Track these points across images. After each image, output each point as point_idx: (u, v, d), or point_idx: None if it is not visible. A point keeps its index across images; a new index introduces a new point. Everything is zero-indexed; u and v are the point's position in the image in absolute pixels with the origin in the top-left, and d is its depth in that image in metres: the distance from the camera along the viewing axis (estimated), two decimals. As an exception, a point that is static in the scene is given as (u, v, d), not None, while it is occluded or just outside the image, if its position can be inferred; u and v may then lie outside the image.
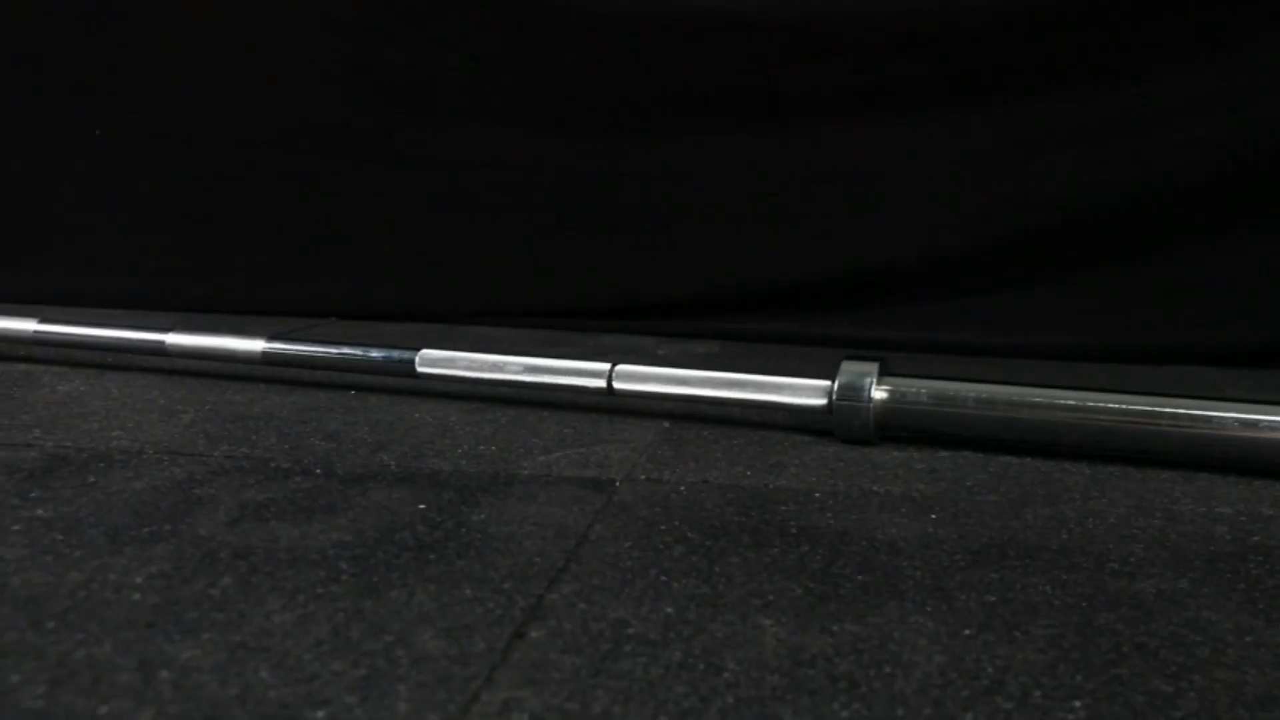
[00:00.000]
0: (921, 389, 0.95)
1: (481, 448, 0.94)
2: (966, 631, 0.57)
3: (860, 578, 0.65)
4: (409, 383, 1.15)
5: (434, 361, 1.10)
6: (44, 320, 1.25)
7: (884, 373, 0.97)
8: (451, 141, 1.78)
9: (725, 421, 1.05)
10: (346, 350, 1.15)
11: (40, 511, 0.73)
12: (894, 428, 0.97)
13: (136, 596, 0.60)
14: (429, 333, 1.64)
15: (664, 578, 0.64)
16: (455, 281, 1.77)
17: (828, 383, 0.98)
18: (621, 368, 1.04)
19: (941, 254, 1.66)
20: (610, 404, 1.10)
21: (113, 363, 1.26)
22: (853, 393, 0.96)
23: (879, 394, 0.96)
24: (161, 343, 1.19)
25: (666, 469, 0.88)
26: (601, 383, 1.04)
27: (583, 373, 1.05)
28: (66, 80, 1.88)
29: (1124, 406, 0.91)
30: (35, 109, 1.91)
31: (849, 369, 0.97)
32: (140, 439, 0.93)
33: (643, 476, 0.86)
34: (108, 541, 0.68)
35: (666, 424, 1.04)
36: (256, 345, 1.16)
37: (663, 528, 0.73)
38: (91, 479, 0.81)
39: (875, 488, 0.84)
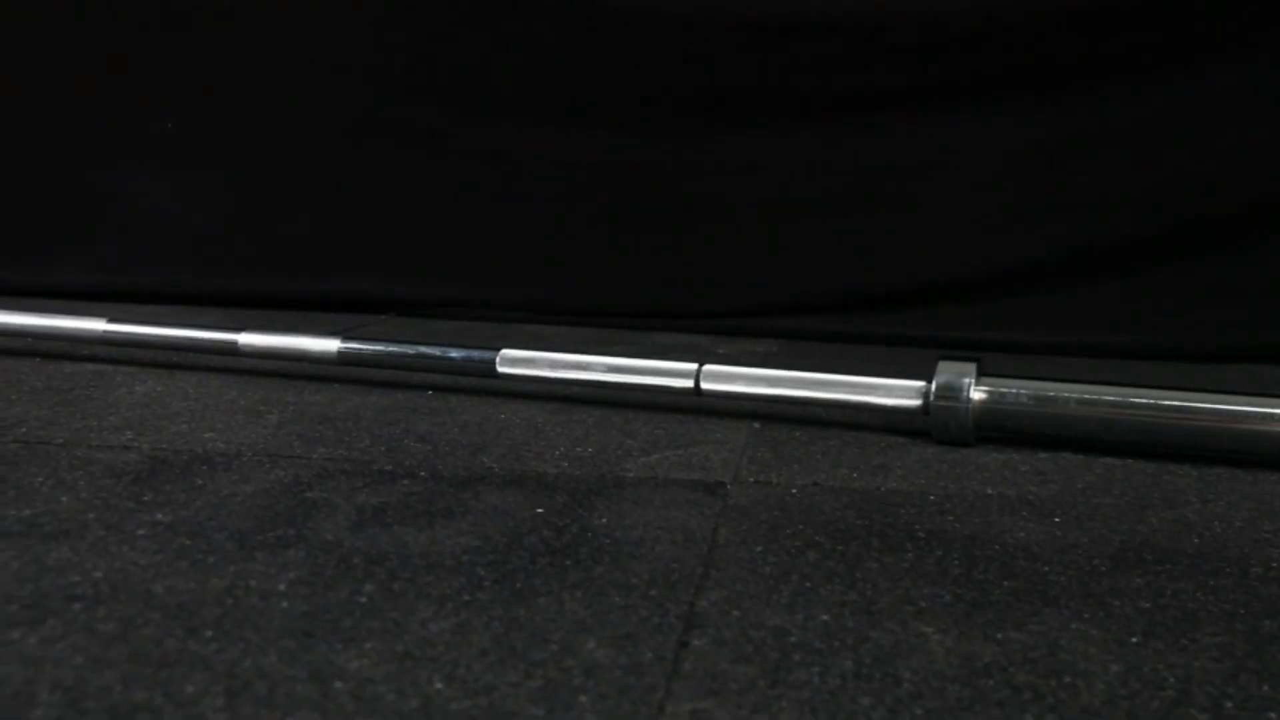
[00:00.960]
0: (1021, 390, 0.94)
1: (578, 449, 0.93)
2: (1133, 639, 0.57)
3: (1006, 583, 0.64)
4: (483, 382, 1.14)
5: (515, 361, 1.09)
6: (113, 320, 1.24)
7: (981, 373, 0.96)
8: (509, 137, 1.77)
9: (813, 422, 1.04)
10: (424, 350, 1.14)
11: (160, 516, 0.72)
12: (991, 428, 0.96)
13: (285, 604, 0.59)
14: (480, 331, 1.63)
15: (808, 583, 0.64)
16: (509, 278, 1.76)
17: (922, 383, 0.98)
18: (709, 368, 1.04)
19: (995, 252, 1.65)
20: (692, 404, 1.09)
21: (178, 362, 1.26)
22: (951, 393, 0.95)
23: (978, 394, 0.95)
24: (234, 343, 1.18)
25: (772, 471, 0.87)
26: (689, 383, 1.04)
27: (670, 373, 1.05)
28: (136, 73, 1.88)
29: (1231, 408, 0.90)
30: (106, 102, 1.90)
31: (947, 369, 0.96)
32: (234, 441, 0.92)
33: (751, 479, 0.85)
34: (236, 547, 0.67)
35: (756, 424, 1.03)
36: (330, 345, 1.15)
37: (788, 532, 0.73)
38: (199, 482, 0.80)
39: (988, 490, 0.83)
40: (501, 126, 1.77)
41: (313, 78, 1.81)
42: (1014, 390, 0.95)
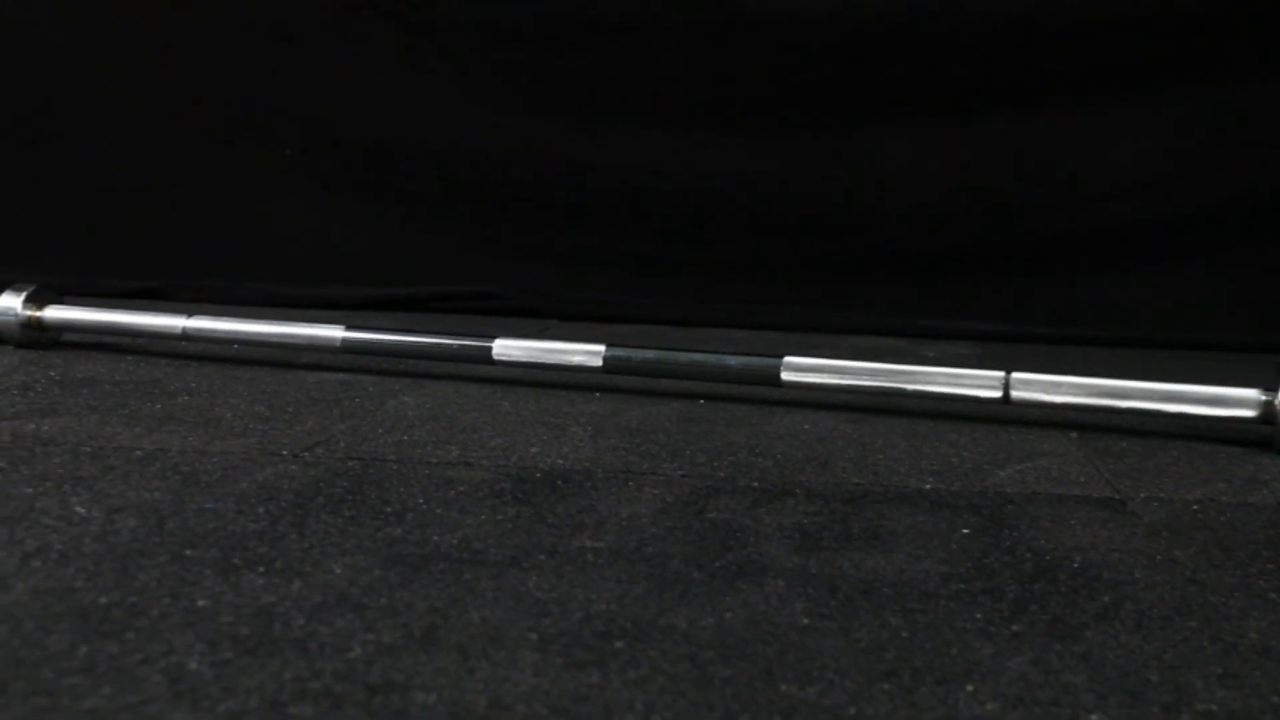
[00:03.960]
0: (1378, 399, 0.91)
1: (924, 463, 0.89)
2: None
3: None
4: (742, 390, 1.11)
5: (801, 369, 1.06)
6: (351, 327, 1.19)
7: (1326, 381, 0.93)
8: (634, 146, 1.75)
9: (1126, 431, 1.01)
10: (698, 357, 1.10)
11: (586, 541, 0.69)
12: (1338, 439, 0.93)
13: (829, 641, 0.55)
14: (669, 334, 1.60)
15: (1335, 612, 0.60)
16: (689, 283, 1.73)
17: (1256, 392, 0.95)
18: (1018, 376, 1.00)
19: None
20: (977, 410, 1.06)
21: (406, 369, 1.22)
22: (1302, 403, 0.92)
23: (1330, 404, 0.92)
24: (488, 350, 1.14)
25: (1149, 485, 0.84)
26: (997, 393, 1.00)
27: (975, 381, 1.01)
28: (258, 103, 1.84)
29: None
30: (232, 132, 1.86)
31: (1294, 378, 0.93)
32: (570, 456, 0.89)
33: (1140, 495, 0.82)
34: (706, 576, 0.64)
35: (1073, 434, 1.00)
36: (596, 352, 1.12)
37: (1245, 554, 0.69)
38: (583, 502, 0.77)
39: (1395, 506, 0.80)
40: (626, 134, 1.75)
41: (428, 94, 1.78)
42: (1370, 399, 0.91)
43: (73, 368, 1.18)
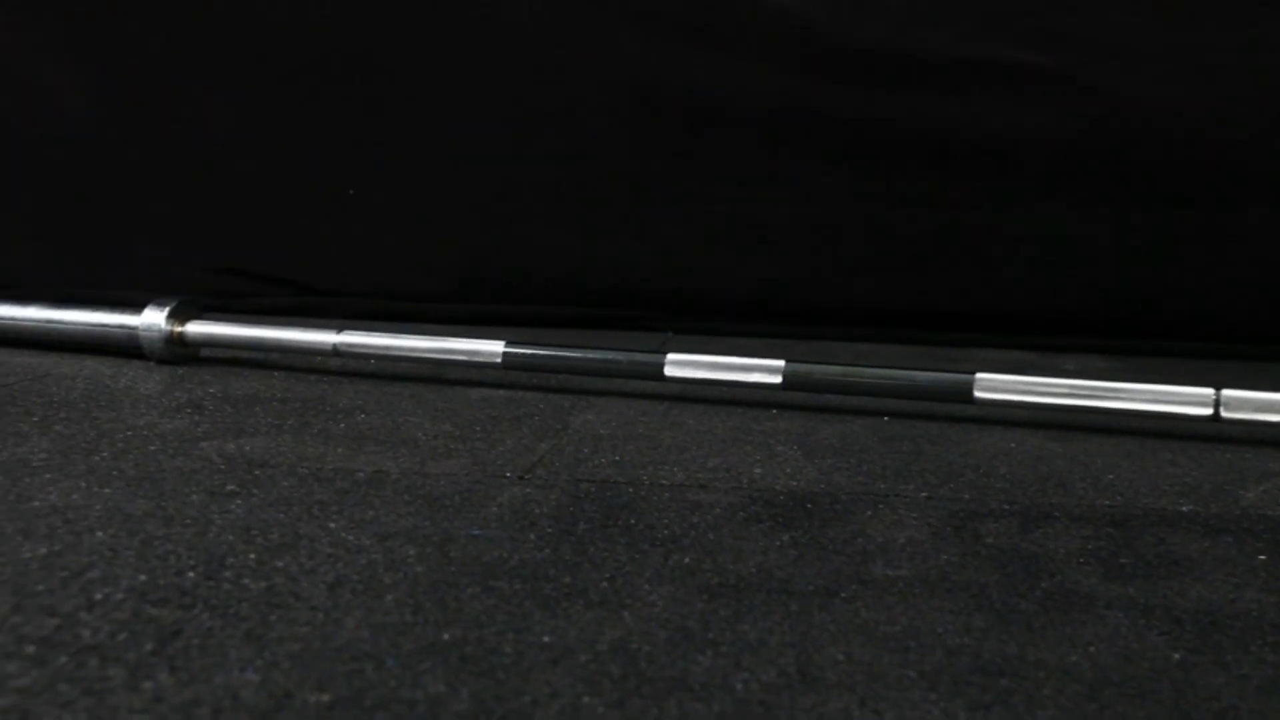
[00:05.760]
0: None
1: (1161, 484, 0.87)
2: None
3: None
4: (913, 405, 1.09)
5: (995, 386, 1.03)
6: (511, 343, 1.17)
7: None
8: (746, 171, 1.71)
9: (1341, 450, 0.99)
10: (884, 373, 1.08)
11: (888, 569, 0.66)
12: None
13: (1216, 679, 0.53)
14: (794, 348, 1.57)
15: None
16: (807, 295, 1.70)
17: None
18: (1229, 393, 0.98)
19: None
20: (1175, 428, 1.03)
21: (559, 385, 1.19)
22: None
23: None
24: (660, 366, 1.12)
25: None
26: (1207, 410, 0.98)
27: (1186, 399, 0.99)
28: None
29: None
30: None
31: None
32: (797, 477, 0.86)
33: None
34: (1034, 606, 0.61)
35: (1289, 453, 0.97)
36: (774, 367, 1.09)
37: None
38: (849, 526, 0.74)
39: None
40: (736, 158, 1.71)
41: (529, 107, 1.75)
42: None
43: (228, 385, 1.16)
